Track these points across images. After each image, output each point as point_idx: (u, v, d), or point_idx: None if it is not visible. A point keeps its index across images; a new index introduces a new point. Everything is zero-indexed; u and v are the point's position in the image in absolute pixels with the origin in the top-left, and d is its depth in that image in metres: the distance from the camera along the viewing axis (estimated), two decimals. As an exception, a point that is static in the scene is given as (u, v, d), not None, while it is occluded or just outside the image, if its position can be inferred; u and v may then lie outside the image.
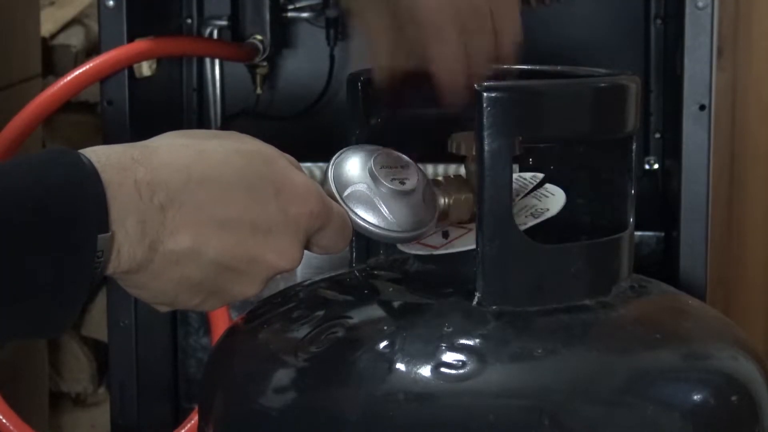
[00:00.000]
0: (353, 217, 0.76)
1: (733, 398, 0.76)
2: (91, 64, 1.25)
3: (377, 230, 0.76)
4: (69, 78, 1.24)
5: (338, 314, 0.79)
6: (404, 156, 0.78)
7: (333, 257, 0.84)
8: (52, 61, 1.90)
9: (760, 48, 1.79)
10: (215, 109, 1.50)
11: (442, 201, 0.80)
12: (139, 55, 1.26)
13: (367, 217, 0.76)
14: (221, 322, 1.26)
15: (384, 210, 0.77)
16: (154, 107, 1.37)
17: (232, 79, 1.49)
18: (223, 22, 1.47)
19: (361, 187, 0.76)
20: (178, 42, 1.36)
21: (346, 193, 0.76)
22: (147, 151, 0.69)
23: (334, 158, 0.78)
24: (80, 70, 1.25)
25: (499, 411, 0.72)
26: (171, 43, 1.33)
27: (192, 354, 1.45)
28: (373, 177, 0.77)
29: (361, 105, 0.86)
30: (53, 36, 1.92)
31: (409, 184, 0.77)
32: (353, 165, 0.77)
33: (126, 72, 1.27)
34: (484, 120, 0.75)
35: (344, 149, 0.79)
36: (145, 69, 1.38)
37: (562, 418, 0.72)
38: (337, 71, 1.47)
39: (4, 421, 0.95)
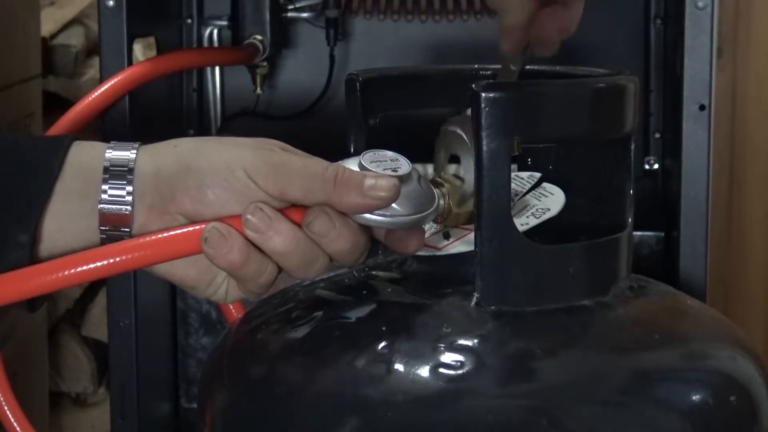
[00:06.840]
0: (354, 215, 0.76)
1: (732, 398, 0.76)
2: (90, 98, 1.21)
3: (382, 218, 0.75)
4: (71, 114, 1.20)
5: (337, 315, 0.79)
6: (392, 152, 0.78)
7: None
8: (52, 61, 1.90)
9: (760, 48, 1.79)
10: (215, 109, 1.49)
11: (442, 202, 0.80)
12: (140, 79, 1.24)
13: None
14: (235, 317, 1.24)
15: None
16: (154, 107, 1.37)
17: (232, 79, 1.49)
18: (223, 22, 1.47)
19: None
20: (177, 57, 1.34)
21: None
22: None
23: None
24: (82, 105, 1.20)
25: (497, 411, 0.72)
26: (170, 60, 1.31)
27: (192, 354, 1.45)
28: (365, 170, 0.76)
29: (360, 105, 0.86)
30: (53, 36, 1.92)
31: (402, 171, 0.76)
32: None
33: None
34: (483, 120, 0.75)
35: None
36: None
37: (560, 419, 0.72)
38: (337, 71, 1.47)
39: (8, 414, 0.95)
